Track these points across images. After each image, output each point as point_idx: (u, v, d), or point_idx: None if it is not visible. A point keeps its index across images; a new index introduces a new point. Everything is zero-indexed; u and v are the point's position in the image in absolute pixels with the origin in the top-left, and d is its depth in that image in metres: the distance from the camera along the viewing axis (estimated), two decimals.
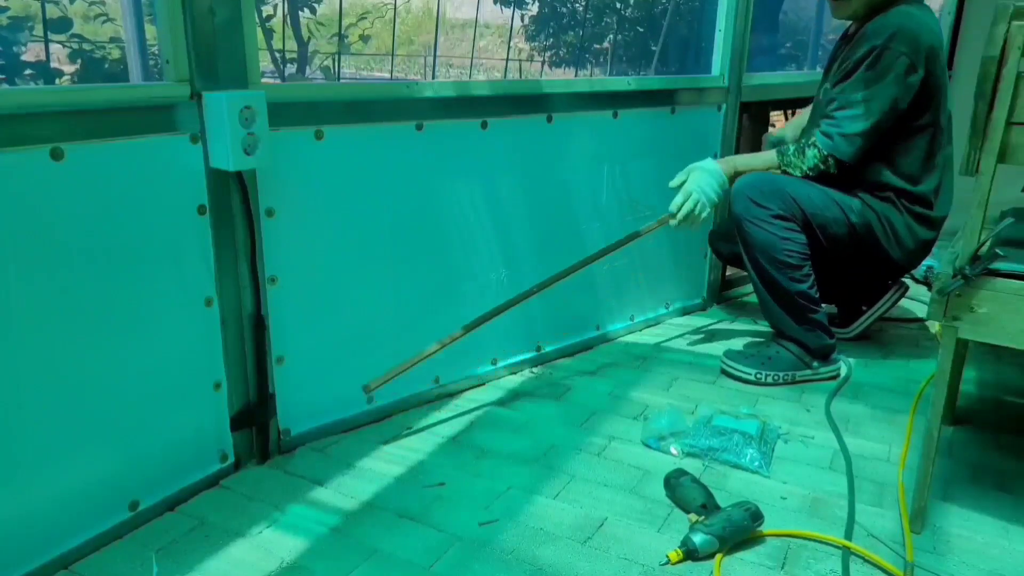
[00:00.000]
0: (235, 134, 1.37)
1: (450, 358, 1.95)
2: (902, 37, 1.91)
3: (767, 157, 2.09)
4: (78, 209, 1.24)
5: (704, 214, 2.02)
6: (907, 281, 2.39)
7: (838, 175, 2.02)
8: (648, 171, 2.29)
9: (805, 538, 1.41)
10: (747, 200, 2.03)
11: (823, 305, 2.46)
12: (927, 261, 2.62)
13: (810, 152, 2.02)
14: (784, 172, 2.06)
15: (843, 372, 2.14)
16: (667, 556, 1.33)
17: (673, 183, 2.07)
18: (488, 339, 2.03)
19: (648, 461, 1.67)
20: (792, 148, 2.05)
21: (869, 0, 2.01)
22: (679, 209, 2.01)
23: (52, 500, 1.27)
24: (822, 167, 2.01)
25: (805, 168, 2.03)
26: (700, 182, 2.02)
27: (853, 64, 1.96)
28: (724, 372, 2.13)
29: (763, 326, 2.22)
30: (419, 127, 1.74)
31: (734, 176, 2.08)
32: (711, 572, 1.31)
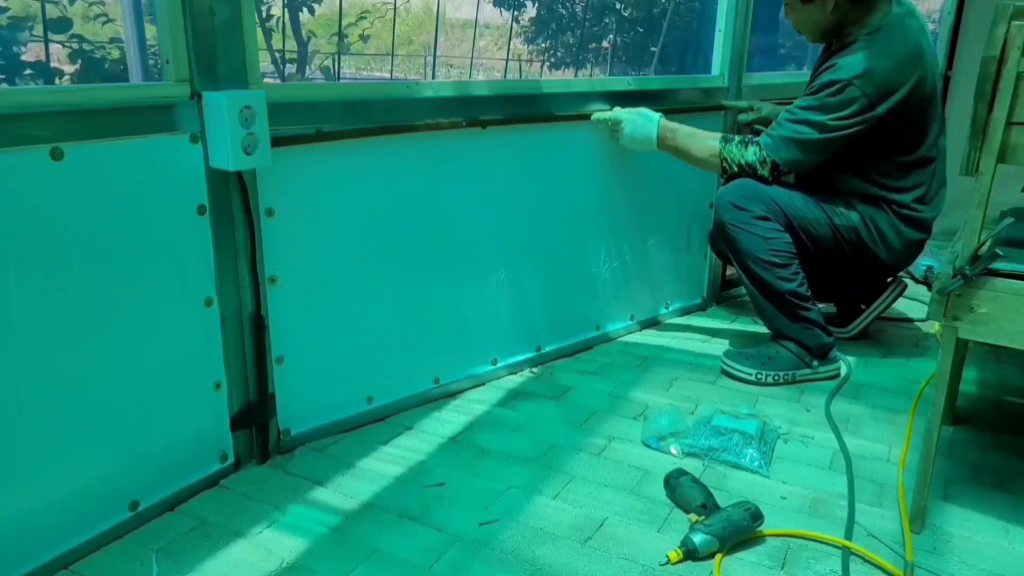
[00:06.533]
0: (235, 134, 1.37)
1: (450, 358, 1.95)
2: (869, 79, 1.91)
3: (711, 142, 2.09)
4: (78, 209, 1.24)
5: (616, 137, 2.14)
6: (906, 280, 2.40)
7: (772, 179, 2.04)
8: (648, 170, 2.29)
9: (805, 538, 1.41)
10: (730, 205, 2.06)
11: (823, 305, 2.47)
12: (927, 261, 2.62)
13: (752, 148, 2.03)
14: (722, 162, 2.07)
15: (843, 372, 2.14)
16: (667, 556, 1.33)
17: (618, 112, 2.13)
18: (488, 339, 2.03)
19: (648, 461, 1.67)
20: (737, 139, 2.07)
21: (812, 29, 2.07)
22: (601, 115, 2.13)
23: (52, 500, 1.27)
24: (758, 166, 2.03)
25: (743, 162, 2.04)
26: (635, 124, 2.10)
27: (819, 86, 1.98)
28: (724, 372, 2.13)
29: (763, 326, 2.22)
30: (419, 127, 1.74)
31: (668, 139, 2.10)
32: (711, 572, 1.31)
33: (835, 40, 2.08)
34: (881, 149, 2.02)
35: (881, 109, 1.93)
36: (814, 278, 2.13)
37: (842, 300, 2.46)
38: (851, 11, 1.99)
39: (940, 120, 2.09)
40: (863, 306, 2.38)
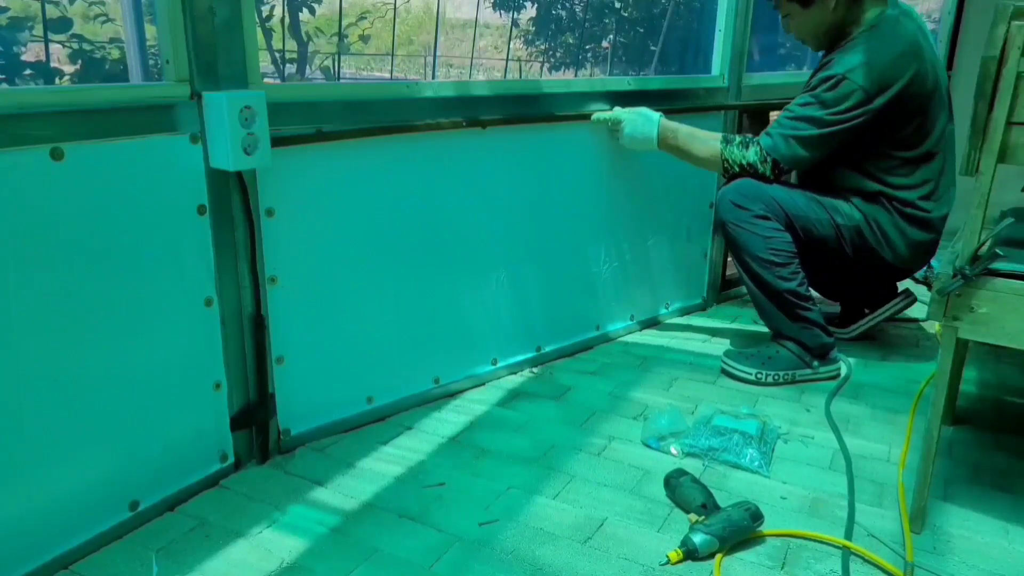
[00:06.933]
0: (235, 134, 1.37)
1: (450, 358, 1.95)
2: (863, 72, 1.92)
3: (711, 142, 2.09)
4: (78, 209, 1.24)
5: (616, 137, 2.15)
6: (912, 288, 2.39)
7: (774, 178, 2.04)
8: (648, 170, 2.29)
9: (805, 538, 1.41)
10: (730, 204, 2.07)
11: (826, 303, 2.46)
12: None
13: (752, 148, 2.04)
14: (723, 162, 2.07)
15: (843, 372, 2.14)
16: (667, 556, 1.33)
17: (618, 112, 2.14)
18: (488, 339, 2.03)
19: (648, 461, 1.67)
20: (739, 139, 2.07)
21: (815, 33, 2.06)
22: (601, 115, 2.14)
23: (52, 500, 1.27)
24: (759, 165, 2.03)
25: (744, 162, 2.04)
26: (635, 124, 2.11)
27: (817, 82, 1.99)
28: (724, 372, 2.13)
29: (763, 326, 2.22)
30: (418, 127, 1.74)
31: (669, 139, 2.11)
32: (711, 572, 1.31)
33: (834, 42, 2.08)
34: (882, 144, 2.02)
35: (878, 102, 1.93)
36: (819, 278, 2.13)
37: (847, 300, 2.46)
38: (851, 8, 2.00)
39: (947, 118, 2.08)
40: (867, 310, 2.37)
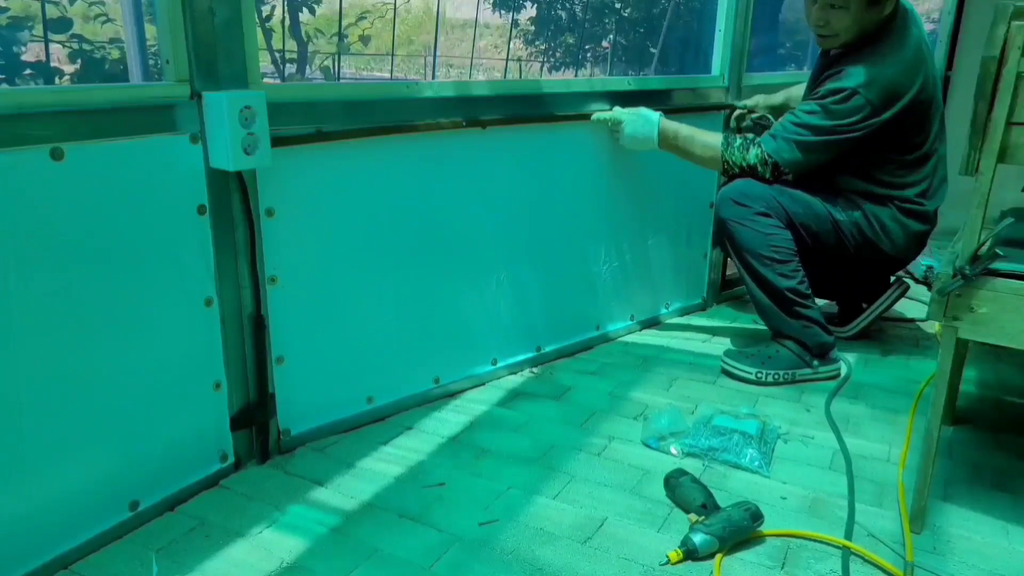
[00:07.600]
0: (235, 134, 1.37)
1: (450, 358, 1.95)
2: (875, 87, 1.92)
3: (712, 143, 2.09)
4: (78, 209, 1.24)
5: (616, 137, 2.15)
6: (907, 280, 2.40)
7: (773, 180, 2.05)
8: (648, 170, 2.29)
9: (805, 538, 1.41)
10: (730, 202, 2.07)
11: (824, 303, 2.46)
12: (927, 261, 2.62)
13: (754, 150, 2.04)
14: (724, 163, 2.08)
15: (843, 372, 2.14)
16: (667, 556, 1.33)
17: (618, 112, 2.14)
18: (488, 339, 2.03)
19: (648, 461, 1.67)
20: (739, 141, 2.07)
21: (855, 33, 2.00)
22: (601, 115, 2.13)
23: (52, 500, 1.27)
24: (759, 168, 2.04)
25: (745, 164, 2.05)
26: (635, 124, 2.11)
27: (825, 92, 1.98)
28: (724, 372, 2.13)
29: (763, 325, 2.22)
30: (418, 127, 1.74)
31: (669, 139, 2.11)
32: (711, 572, 1.31)
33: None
34: (884, 149, 2.02)
35: (887, 115, 1.93)
36: (816, 275, 2.13)
37: (844, 297, 2.46)
38: (892, 14, 1.98)
39: (942, 118, 2.09)
40: (864, 305, 2.38)
